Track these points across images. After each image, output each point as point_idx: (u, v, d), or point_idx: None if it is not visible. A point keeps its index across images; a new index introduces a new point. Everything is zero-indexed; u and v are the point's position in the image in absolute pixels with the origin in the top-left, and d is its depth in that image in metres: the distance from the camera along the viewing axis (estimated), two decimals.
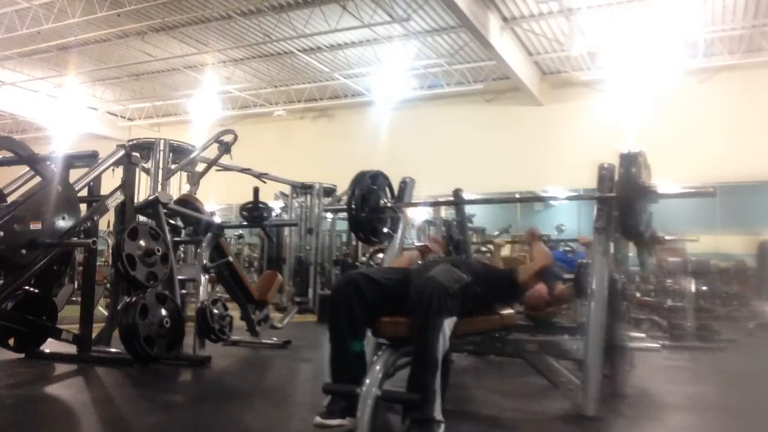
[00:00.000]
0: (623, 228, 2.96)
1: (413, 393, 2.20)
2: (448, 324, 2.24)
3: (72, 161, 4.15)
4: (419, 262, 3.16)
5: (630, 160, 2.88)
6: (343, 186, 8.47)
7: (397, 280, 2.54)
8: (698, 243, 6.33)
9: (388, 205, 3.35)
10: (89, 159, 4.30)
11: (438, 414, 2.18)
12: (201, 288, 4.47)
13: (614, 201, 2.92)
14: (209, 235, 4.70)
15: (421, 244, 3.54)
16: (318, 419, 2.26)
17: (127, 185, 4.36)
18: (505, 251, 8.88)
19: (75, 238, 3.85)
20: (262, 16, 11.57)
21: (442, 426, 2.17)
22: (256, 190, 4.92)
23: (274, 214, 6.19)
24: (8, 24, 12.04)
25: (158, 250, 3.99)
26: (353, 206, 3.20)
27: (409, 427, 2.18)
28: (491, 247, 8.74)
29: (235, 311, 4.71)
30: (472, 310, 2.55)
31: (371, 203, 3.29)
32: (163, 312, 3.88)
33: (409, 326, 2.36)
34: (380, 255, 7.22)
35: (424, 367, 2.20)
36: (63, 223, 3.74)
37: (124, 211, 4.33)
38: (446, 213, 8.69)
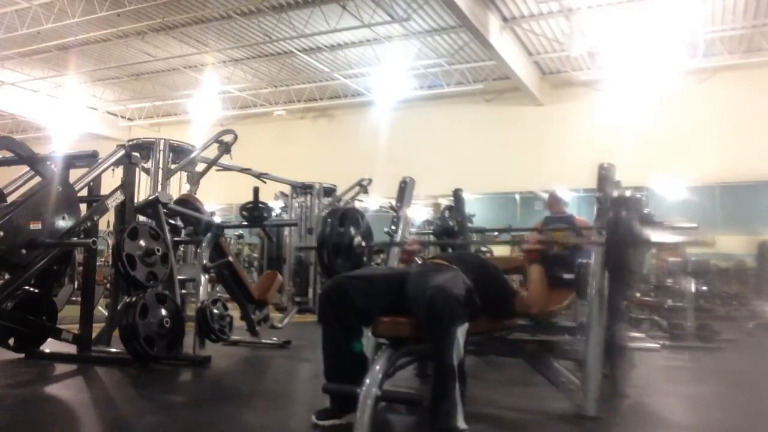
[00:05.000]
0: (614, 273, 2.83)
1: (438, 403, 2.20)
2: (461, 332, 2.24)
3: (72, 161, 4.15)
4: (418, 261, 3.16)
5: (620, 204, 2.79)
6: (343, 186, 8.48)
7: (392, 278, 2.55)
8: (697, 240, 6.29)
9: (362, 244, 3.27)
10: (89, 159, 4.29)
11: (462, 423, 2.19)
12: (201, 288, 4.47)
13: (604, 247, 2.80)
14: (209, 235, 4.70)
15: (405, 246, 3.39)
16: (313, 419, 2.35)
17: (127, 185, 4.36)
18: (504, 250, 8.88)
19: (75, 238, 3.86)
20: (262, 16, 11.57)
21: None
22: (256, 190, 4.92)
23: (274, 214, 6.19)
24: (8, 24, 12.04)
25: (158, 250, 3.98)
26: (325, 258, 3.14)
27: None
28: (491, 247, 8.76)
29: (235, 311, 4.70)
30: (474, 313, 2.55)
31: (344, 246, 3.20)
32: (163, 312, 3.87)
33: (409, 326, 2.36)
34: (381, 255, 7.21)
35: (442, 376, 2.20)
36: (63, 223, 3.74)
37: (124, 211, 4.33)
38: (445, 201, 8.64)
